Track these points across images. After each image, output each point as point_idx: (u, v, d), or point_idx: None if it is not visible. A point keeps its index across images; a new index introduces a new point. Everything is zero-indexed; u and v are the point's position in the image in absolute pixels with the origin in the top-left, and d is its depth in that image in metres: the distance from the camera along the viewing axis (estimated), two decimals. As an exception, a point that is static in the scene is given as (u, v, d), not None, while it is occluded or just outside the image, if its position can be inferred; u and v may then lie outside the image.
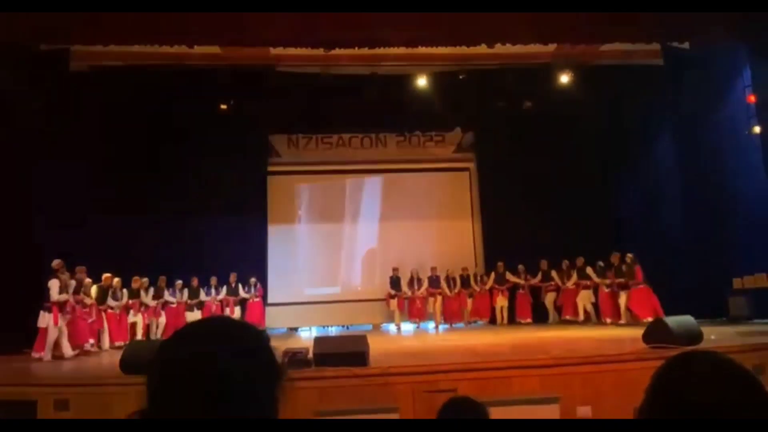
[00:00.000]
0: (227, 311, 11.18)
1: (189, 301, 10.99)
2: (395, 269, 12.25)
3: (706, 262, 9.74)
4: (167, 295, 10.74)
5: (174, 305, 10.84)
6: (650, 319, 9.05)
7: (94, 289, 8.79)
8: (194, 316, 10.90)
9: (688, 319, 6.25)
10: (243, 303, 11.63)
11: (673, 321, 6.07)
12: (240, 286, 11.60)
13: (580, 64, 11.00)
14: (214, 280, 11.38)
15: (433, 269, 12.17)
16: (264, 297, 12.33)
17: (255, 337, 0.85)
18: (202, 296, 11.17)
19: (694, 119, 10.43)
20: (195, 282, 11.16)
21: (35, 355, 7.46)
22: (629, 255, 10.02)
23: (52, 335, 7.42)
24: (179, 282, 11.04)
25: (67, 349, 7.63)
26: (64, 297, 7.61)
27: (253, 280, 11.78)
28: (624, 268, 10.13)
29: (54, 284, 7.52)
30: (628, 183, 11.99)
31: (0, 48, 7.70)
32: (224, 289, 11.43)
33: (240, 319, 0.91)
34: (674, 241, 10.44)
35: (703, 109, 10.26)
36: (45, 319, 7.47)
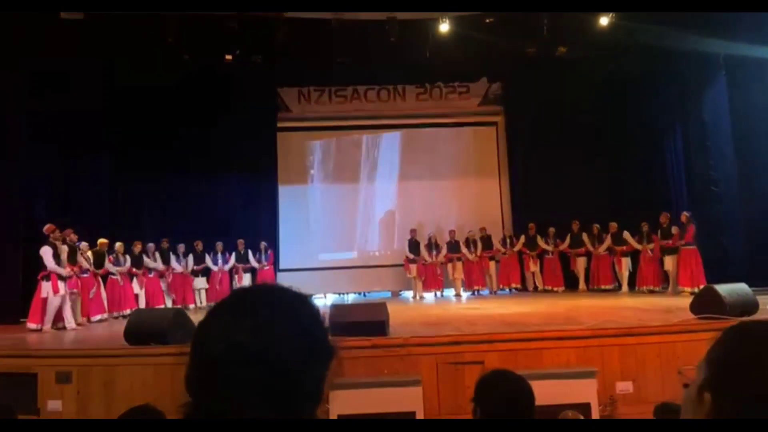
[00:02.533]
0: (236, 279, 11.20)
1: (195, 267, 10.99)
2: (413, 231, 12.20)
3: (762, 224, 9.46)
4: (173, 261, 10.74)
5: (179, 272, 10.84)
6: (690, 289, 8.96)
7: (89, 254, 8.79)
8: (201, 282, 10.95)
9: (741, 287, 6.08)
10: (253, 270, 11.59)
11: (725, 289, 5.90)
12: (250, 252, 11.54)
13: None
14: (219, 246, 11.30)
15: (452, 233, 12.10)
16: (275, 262, 12.38)
17: (311, 311, 0.85)
18: (209, 263, 11.14)
19: (751, 65, 9.96)
20: (199, 246, 11.10)
21: (30, 326, 7.45)
22: (684, 213, 9.76)
23: (52, 305, 7.40)
24: (181, 246, 10.98)
25: (70, 322, 7.63)
26: (66, 270, 7.58)
27: (263, 245, 11.71)
28: (673, 229, 9.85)
29: (47, 251, 7.48)
30: (675, 137, 11.56)
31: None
32: (233, 256, 11.38)
33: (293, 288, 0.88)
34: (726, 202, 10.12)
35: (761, 53, 9.76)
36: (46, 289, 7.44)
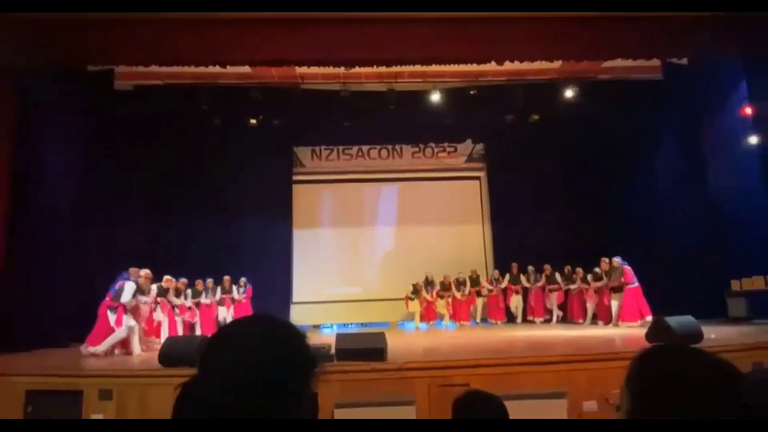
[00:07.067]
0: (220, 310, 10.88)
1: (193, 300, 10.57)
2: (417, 285, 11.88)
3: (705, 264, 9.51)
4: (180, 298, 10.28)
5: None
6: (632, 323, 8.87)
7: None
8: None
9: (688, 319, 6.10)
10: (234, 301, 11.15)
11: (674, 321, 5.93)
12: (234, 287, 11.16)
13: (583, 80, 10.84)
14: (210, 282, 10.85)
15: (446, 278, 11.91)
16: (289, 296, 12.44)
17: (288, 331, 0.87)
18: (202, 298, 10.71)
19: (693, 130, 10.26)
20: (200, 286, 10.69)
21: (90, 348, 7.12)
22: (615, 260, 9.67)
23: (118, 336, 7.13)
24: (182, 280, 10.35)
25: (137, 349, 7.38)
26: (134, 301, 7.39)
27: (243, 280, 11.26)
28: (612, 272, 9.74)
29: (130, 288, 7.30)
30: (631, 189, 11.71)
31: (53, 69, 7.82)
32: (218, 290, 10.95)
33: (277, 317, 0.91)
34: (675, 244, 10.17)
35: (701, 120, 10.10)
36: (118, 320, 7.16)
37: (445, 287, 11.81)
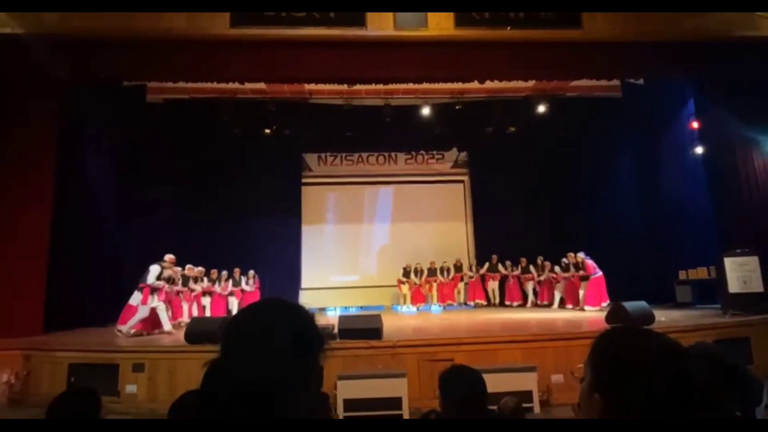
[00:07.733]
0: (230, 300, 10.47)
1: (205, 289, 10.11)
2: (408, 266, 11.97)
3: (658, 257, 9.59)
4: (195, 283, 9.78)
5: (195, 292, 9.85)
6: (593, 308, 8.87)
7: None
8: (205, 300, 10.12)
9: (642, 304, 6.14)
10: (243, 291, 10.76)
11: (630, 305, 5.97)
12: (242, 279, 10.78)
13: (553, 96, 10.88)
14: (224, 274, 10.51)
15: (432, 263, 11.99)
16: (298, 282, 12.35)
17: (301, 314, 0.85)
18: (216, 288, 10.31)
19: (648, 141, 10.32)
20: (214, 274, 10.34)
21: (118, 327, 6.99)
22: (578, 254, 9.66)
23: (140, 314, 6.94)
24: (199, 268, 9.90)
25: (167, 325, 7.18)
26: (159, 283, 7.17)
27: (251, 273, 10.80)
28: (576, 264, 9.74)
29: (154, 269, 7.09)
30: (595, 192, 11.76)
31: (93, 84, 7.79)
32: (230, 282, 10.55)
33: (291, 301, 0.86)
34: (632, 240, 10.24)
35: (654, 132, 10.15)
36: (137, 300, 6.97)
37: (432, 272, 11.84)
